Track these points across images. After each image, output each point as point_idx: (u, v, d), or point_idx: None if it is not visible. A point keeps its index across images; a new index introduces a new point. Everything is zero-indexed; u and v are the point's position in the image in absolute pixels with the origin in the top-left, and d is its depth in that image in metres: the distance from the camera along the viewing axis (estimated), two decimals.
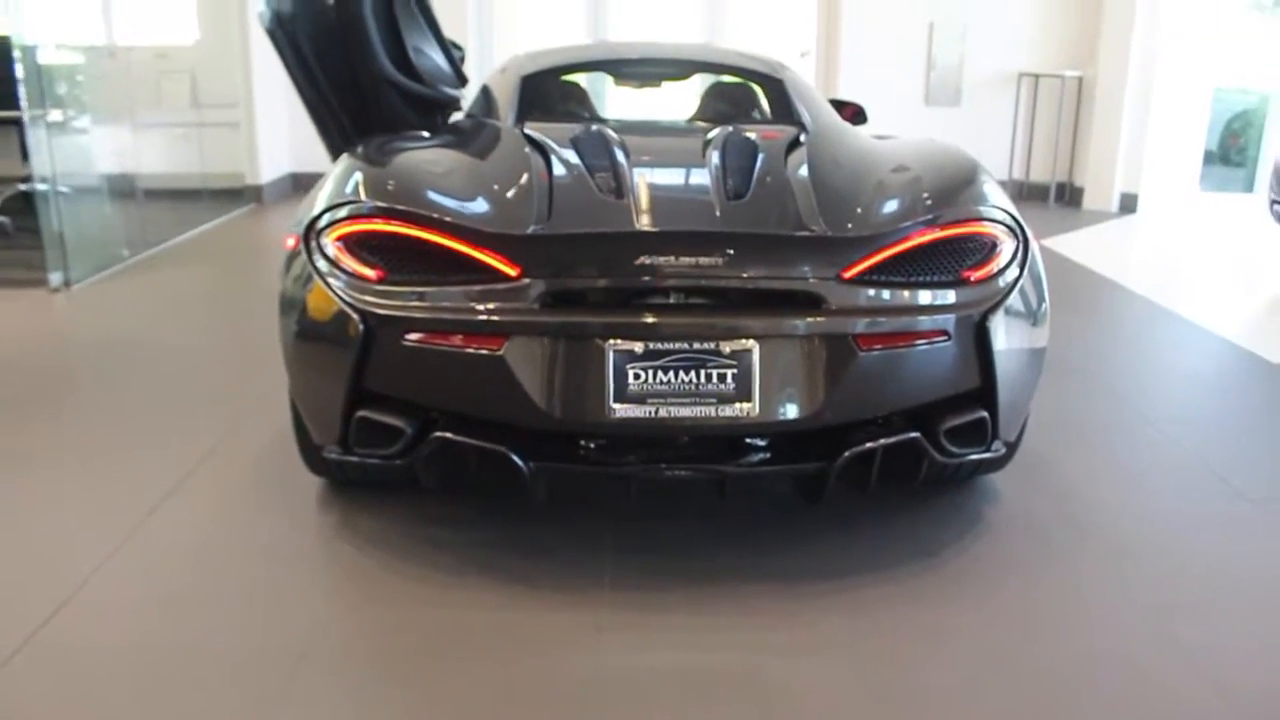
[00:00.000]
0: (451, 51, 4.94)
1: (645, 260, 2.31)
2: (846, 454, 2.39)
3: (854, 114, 4.57)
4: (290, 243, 2.65)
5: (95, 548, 2.64)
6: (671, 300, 2.37)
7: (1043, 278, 2.69)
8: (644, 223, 2.43)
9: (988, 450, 2.59)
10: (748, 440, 2.46)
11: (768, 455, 2.46)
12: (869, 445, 2.40)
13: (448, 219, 2.39)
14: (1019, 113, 8.46)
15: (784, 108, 3.50)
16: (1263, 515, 2.94)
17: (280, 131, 8.14)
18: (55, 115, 5.56)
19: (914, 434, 2.43)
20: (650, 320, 2.30)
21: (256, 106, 7.74)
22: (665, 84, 4.17)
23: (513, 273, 2.32)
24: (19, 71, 5.17)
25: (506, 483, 2.40)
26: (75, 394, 3.81)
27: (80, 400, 3.74)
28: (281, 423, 3.44)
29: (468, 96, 4.83)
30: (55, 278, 5.31)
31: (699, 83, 4.25)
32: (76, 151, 5.89)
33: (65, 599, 2.40)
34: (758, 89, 3.76)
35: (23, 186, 5.73)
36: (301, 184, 8.42)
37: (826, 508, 2.64)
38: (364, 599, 2.45)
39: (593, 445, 2.46)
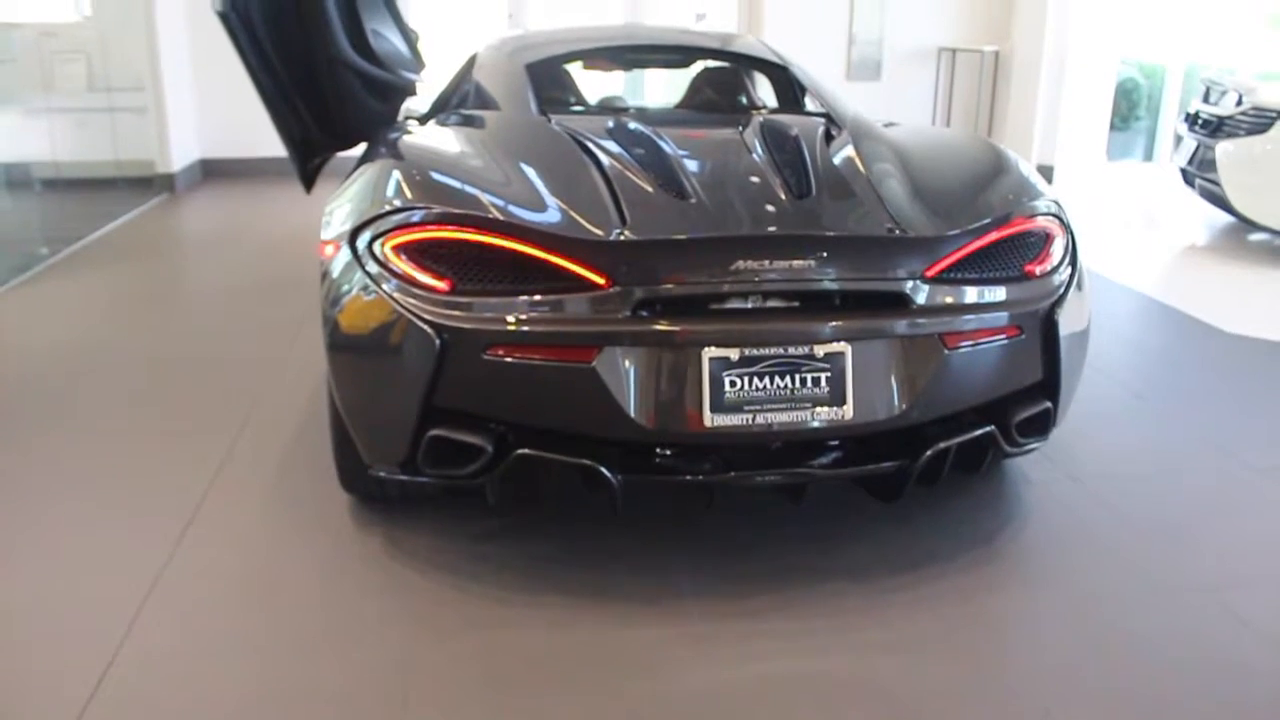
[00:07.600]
0: (410, 35, 4.75)
1: (738, 265, 2.25)
2: (929, 452, 2.39)
3: None
4: (329, 250, 2.48)
5: (125, 593, 2.41)
6: (754, 305, 2.31)
7: (1082, 263, 2.74)
8: (728, 226, 2.37)
9: (1044, 439, 2.64)
10: (828, 442, 2.44)
11: (847, 455, 2.45)
12: (952, 441, 2.41)
13: (527, 225, 2.28)
14: (939, 87, 8.65)
15: (792, 95, 3.46)
16: (1273, 485, 3.08)
17: (188, 116, 7.68)
18: None
19: (990, 428, 2.46)
20: (746, 326, 2.25)
21: (165, 89, 7.26)
22: (668, 70, 4.08)
23: (601, 281, 2.23)
24: None
25: (591, 495, 2.32)
26: (43, 417, 3.49)
27: (51, 423, 3.43)
28: (284, 435, 3.27)
29: (426, 82, 4.65)
30: None
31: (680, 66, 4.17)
32: None
33: (111, 656, 2.18)
34: (754, 74, 3.71)
35: None
36: (213, 171, 7.97)
37: (868, 500, 2.66)
38: (446, 626, 2.33)
39: (670, 453, 2.39)
